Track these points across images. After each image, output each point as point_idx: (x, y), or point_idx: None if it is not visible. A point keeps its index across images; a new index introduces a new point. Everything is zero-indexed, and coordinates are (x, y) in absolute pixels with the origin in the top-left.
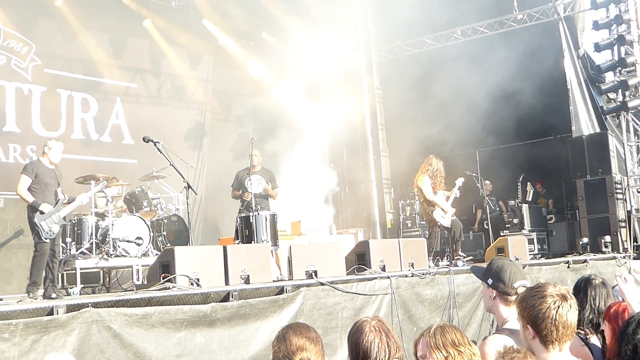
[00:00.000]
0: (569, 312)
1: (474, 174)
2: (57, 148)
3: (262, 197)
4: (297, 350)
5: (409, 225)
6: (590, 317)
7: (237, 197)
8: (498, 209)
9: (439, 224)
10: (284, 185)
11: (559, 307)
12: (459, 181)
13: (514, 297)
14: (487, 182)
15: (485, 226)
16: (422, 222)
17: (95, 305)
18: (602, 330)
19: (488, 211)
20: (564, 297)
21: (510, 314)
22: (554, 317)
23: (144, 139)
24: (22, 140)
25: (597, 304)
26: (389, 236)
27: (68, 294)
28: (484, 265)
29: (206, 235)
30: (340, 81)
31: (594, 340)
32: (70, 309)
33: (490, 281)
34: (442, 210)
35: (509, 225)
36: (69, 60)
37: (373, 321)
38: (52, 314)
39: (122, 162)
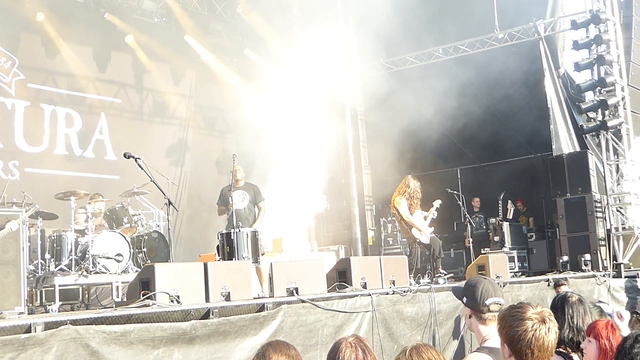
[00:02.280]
0: (547, 335)
1: (455, 192)
2: None
3: (247, 212)
4: None
5: (391, 242)
6: (570, 336)
7: (224, 213)
8: (485, 226)
9: (417, 240)
10: (266, 201)
11: (536, 330)
12: (437, 203)
13: (487, 315)
14: (477, 199)
15: (467, 244)
16: (403, 240)
17: (74, 322)
18: (582, 349)
19: (469, 229)
20: (543, 320)
21: (489, 332)
22: (530, 340)
23: (124, 155)
24: (4, 155)
25: (575, 322)
26: (370, 253)
27: (47, 311)
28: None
29: (187, 252)
30: (323, 98)
31: (577, 359)
32: (49, 326)
33: (465, 299)
34: (419, 230)
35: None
36: (53, 74)
37: (350, 338)
38: (30, 332)
39: (105, 178)
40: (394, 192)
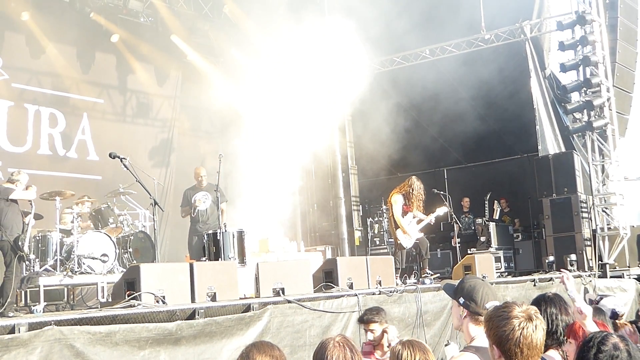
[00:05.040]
0: (534, 333)
1: (441, 192)
2: (25, 181)
3: (209, 213)
4: None
5: (377, 242)
6: None
7: (188, 214)
8: (474, 227)
9: (399, 242)
10: (253, 202)
11: (523, 328)
12: (441, 210)
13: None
14: (466, 199)
15: (453, 244)
16: (390, 240)
17: (58, 323)
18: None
19: (456, 229)
20: (529, 318)
21: (478, 333)
22: (518, 338)
23: (110, 155)
24: None
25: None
26: (357, 253)
27: (31, 312)
28: (454, 282)
29: (173, 253)
30: (309, 98)
31: (551, 353)
32: (33, 327)
33: (461, 300)
34: (404, 232)
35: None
36: (37, 74)
37: (337, 338)
38: (14, 332)
39: (87, 178)
40: (395, 188)
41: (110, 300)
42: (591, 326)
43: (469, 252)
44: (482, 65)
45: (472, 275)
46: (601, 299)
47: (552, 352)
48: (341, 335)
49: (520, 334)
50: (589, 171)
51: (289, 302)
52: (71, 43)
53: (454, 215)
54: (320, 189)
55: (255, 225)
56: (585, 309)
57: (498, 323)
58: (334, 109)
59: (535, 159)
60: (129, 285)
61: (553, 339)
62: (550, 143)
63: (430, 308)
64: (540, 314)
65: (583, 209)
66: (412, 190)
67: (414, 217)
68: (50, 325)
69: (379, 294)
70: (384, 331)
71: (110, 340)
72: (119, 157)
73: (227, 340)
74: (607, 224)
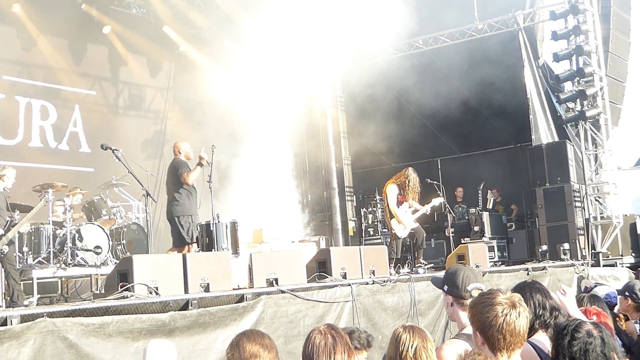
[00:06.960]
0: (517, 320)
1: (435, 182)
2: (12, 176)
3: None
4: (251, 357)
5: (371, 232)
6: None
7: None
8: (467, 217)
9: (393, 231)
10: (246, 192)
11: (506, 315)
12: (437, 201)
13: (469, 301)
14: (460, 189)
15: (447, 234)
16: (383, 230)
17: (51, 315)
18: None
19: (449, 219)
20: (513, 305)
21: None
22: (500, 325)
23: (102, 147)
24: None
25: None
26: (351, 244)
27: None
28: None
29: (167, 244)
30: (303, 89)
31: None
32: (25, 319)
33: (445, 287)
34: (399, 222)
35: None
36: (28, 66)
37: (322, 326)
38: (6, 325)
39: (79, 171)
40: (390, 178)
41: (103, 291)
42: (575, 311)
43: (462, 241)
44: (476, 55)
45: (457, 263)
46: (595, 286)
47: (540, 334)
48: (328, 324)
49: (504, 320)
50: (582, 160)
51: (283, 292)
52: (62, 35)
53: (447, 205)
54: (314, 179)
55: (249, 215)
56: (568, 290)
57: (481, 309)
58: (326, 99)
59: (529, 148)
60: (122, 276)
61: (540, 321)
62: (543, 132)
63: (424, 297)
64: (526, 300)
65: (576, 198)
66: (408, 181)
67: (409, 207)
68: (43, 317)
69: (373, 283)
70: None
71: (104, 332)
72: (110, 149)
73: (221, 331)
74: (600, 213)
